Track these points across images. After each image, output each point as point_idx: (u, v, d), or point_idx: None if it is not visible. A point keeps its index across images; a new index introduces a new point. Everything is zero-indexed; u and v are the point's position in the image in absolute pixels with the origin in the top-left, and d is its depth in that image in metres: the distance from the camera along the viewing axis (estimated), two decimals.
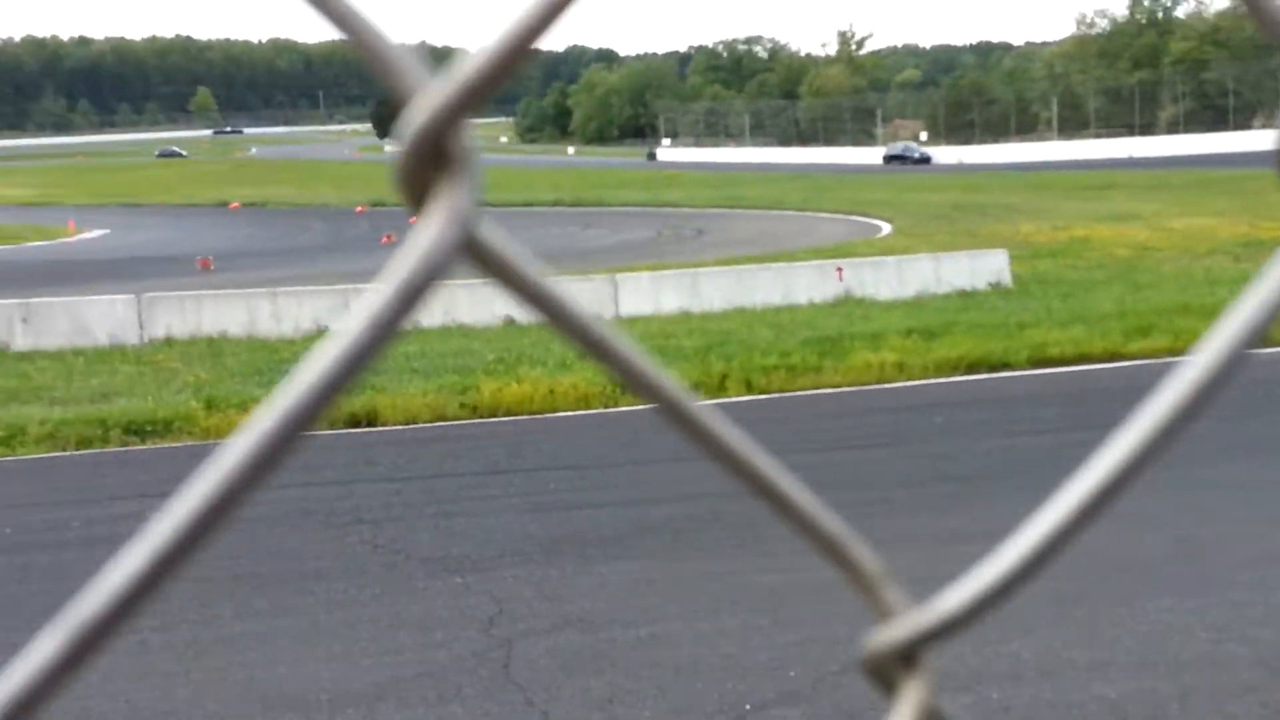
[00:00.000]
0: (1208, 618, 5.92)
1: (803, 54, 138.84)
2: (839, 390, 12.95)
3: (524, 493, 9.07)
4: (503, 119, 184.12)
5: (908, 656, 0.34)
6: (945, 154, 79.95)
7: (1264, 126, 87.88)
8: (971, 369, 13.37)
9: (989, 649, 5.73)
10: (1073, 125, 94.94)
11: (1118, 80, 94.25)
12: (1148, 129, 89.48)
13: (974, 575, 0.36)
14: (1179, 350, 13.39)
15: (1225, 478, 8.29)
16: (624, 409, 12.28)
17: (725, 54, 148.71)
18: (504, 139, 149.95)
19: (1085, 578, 6.60)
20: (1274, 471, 8.40)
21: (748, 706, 5.56)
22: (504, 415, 11.97)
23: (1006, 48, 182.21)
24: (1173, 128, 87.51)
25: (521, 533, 8.05)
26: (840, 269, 19.33)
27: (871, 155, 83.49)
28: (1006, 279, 19.35)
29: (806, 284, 19.07)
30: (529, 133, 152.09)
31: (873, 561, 0.35)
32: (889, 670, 0.34)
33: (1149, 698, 5.22)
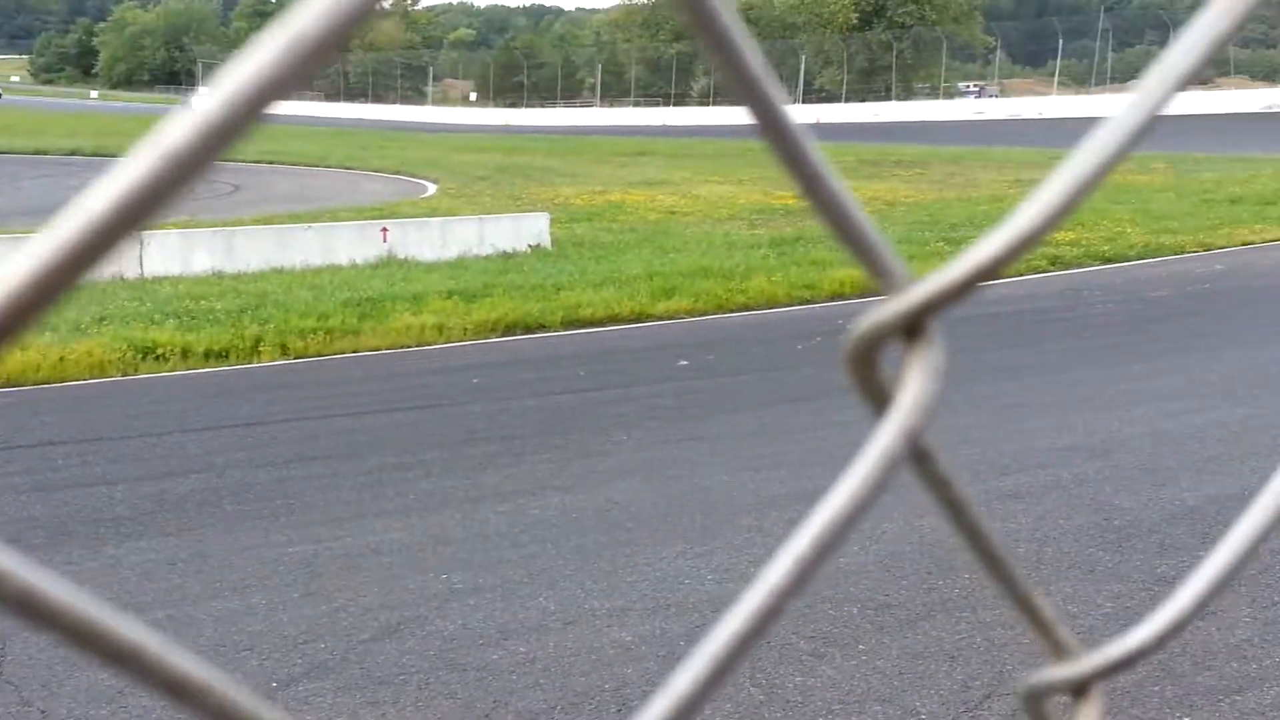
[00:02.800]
0: (713, 561, 6.37)
1: None
2: (378, 353, 12.84)
3: (27, 470, 8.32)
4: (14, 56, 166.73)
5: (1081, 689, 0.34)
6: (493, 115, 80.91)
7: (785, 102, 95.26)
8: (509, 330, 13.65)
9: (516, 604, 5.89)
10: (615, 92, 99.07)
11: (658, 51, 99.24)
12: (682, 99, 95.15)
13: (1152, 617, 0.34)
14: (698, 311, 14.36)
15: (717, 432, 8.96)
16: (143, 376, 11.56)
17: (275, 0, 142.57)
18: (15, 78, 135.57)
19: (609, 531, 6.93)
20: (756, 424, 9.15)
21: (274, 684, 5.40)
22: (6, 387, 10.92)
23: (558, 12, 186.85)
24: (704, 99, 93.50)
25: (24, 514, 7.39)
26: (385, 229, 19.11)
27: (420, 114, 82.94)
28: (547, 241, 19.90)
29: (349, 244, 18.68)
30: (45, 73, 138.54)
31: (1049, 608, 0.35)
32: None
33: (660, 639, 5.55)
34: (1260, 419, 8.35)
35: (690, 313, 14.31)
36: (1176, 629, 0.30)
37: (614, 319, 14.00)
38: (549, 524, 7.03)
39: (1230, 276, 15.44)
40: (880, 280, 0.28)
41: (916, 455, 0.30)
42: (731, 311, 14.54)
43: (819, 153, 0.26)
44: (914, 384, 0.29)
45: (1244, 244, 18.79)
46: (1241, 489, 6.90)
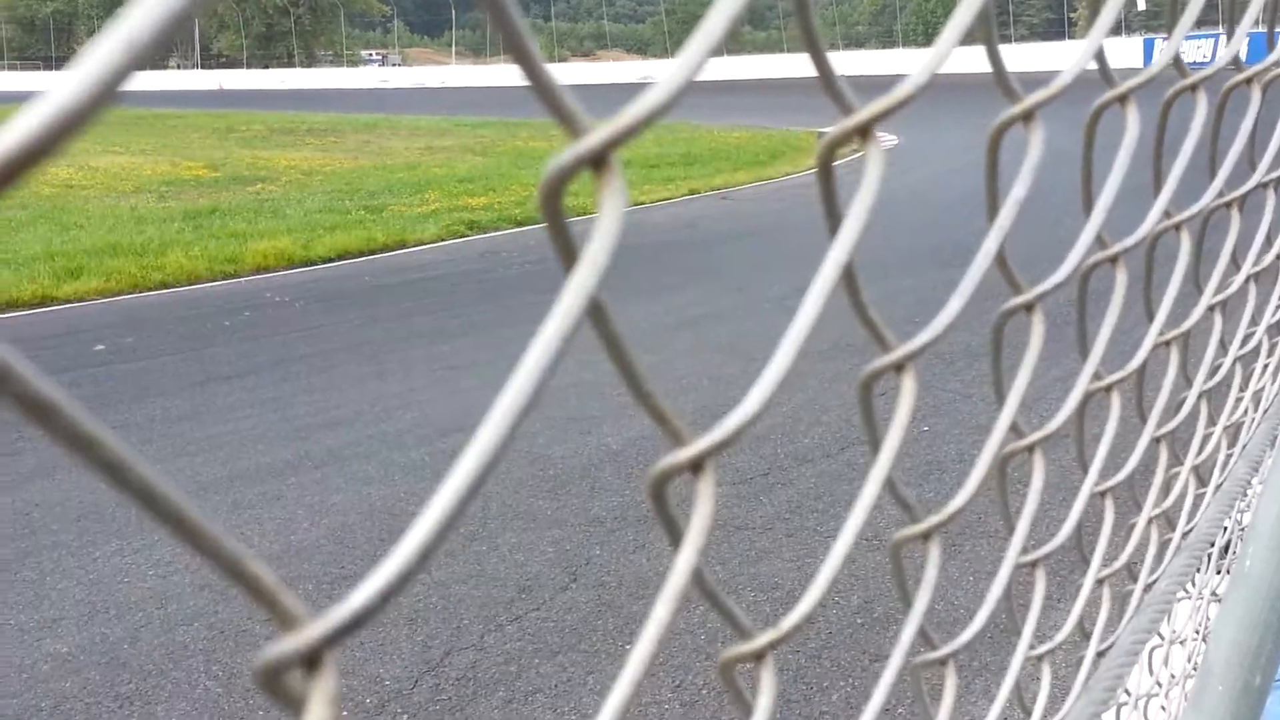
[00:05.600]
0: (153, 555, 6.04)
1: None
2: None
3: None
4: None
5: (313, 660, 0.30)
6: None
7: (180, 67, 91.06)
8: None
9: None
10: None
11: (31, 9, 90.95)
12: (64, 62, 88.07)
13: (379, 571, 0.31)
14: (111, 291, 13.41)
15: (146, 418, 8.50)
16: None
17: None
18: None
19: (32, 536, 6.36)
20: (188, 407, 8.79)
21: None
22: None
23: None
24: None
25: None
26: None
27: None
28: None
29: None
30: None
31: (270, 575, 0.31)
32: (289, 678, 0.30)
33: (100, 645, 5.21)
34: (667, 362, 9.23)
35: (102, 293, 13.30)
36: (402, 582, 0.30)
37: (13, 304, 12.71)
38: None
39: (627, 234, 16.82)
40: (568, 125, 0.32)
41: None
42: (149, 290, 13.70)
43: (529, 33, 0.29)
44: (609, 209, 0.33)
45: (635, 204, 20.50)
46: (655, 429, 7.57)
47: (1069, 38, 66.68)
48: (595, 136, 0.31)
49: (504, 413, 0.28)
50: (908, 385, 0.47)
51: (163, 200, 20.86)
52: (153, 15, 0.20)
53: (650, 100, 0.31)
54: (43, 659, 5.11)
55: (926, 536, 0.56)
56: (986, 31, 0.46)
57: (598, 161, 0.31)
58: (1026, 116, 0.51)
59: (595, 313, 0.31)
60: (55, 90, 0.20)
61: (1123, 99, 0.59)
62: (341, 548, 6.12)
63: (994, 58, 0.49)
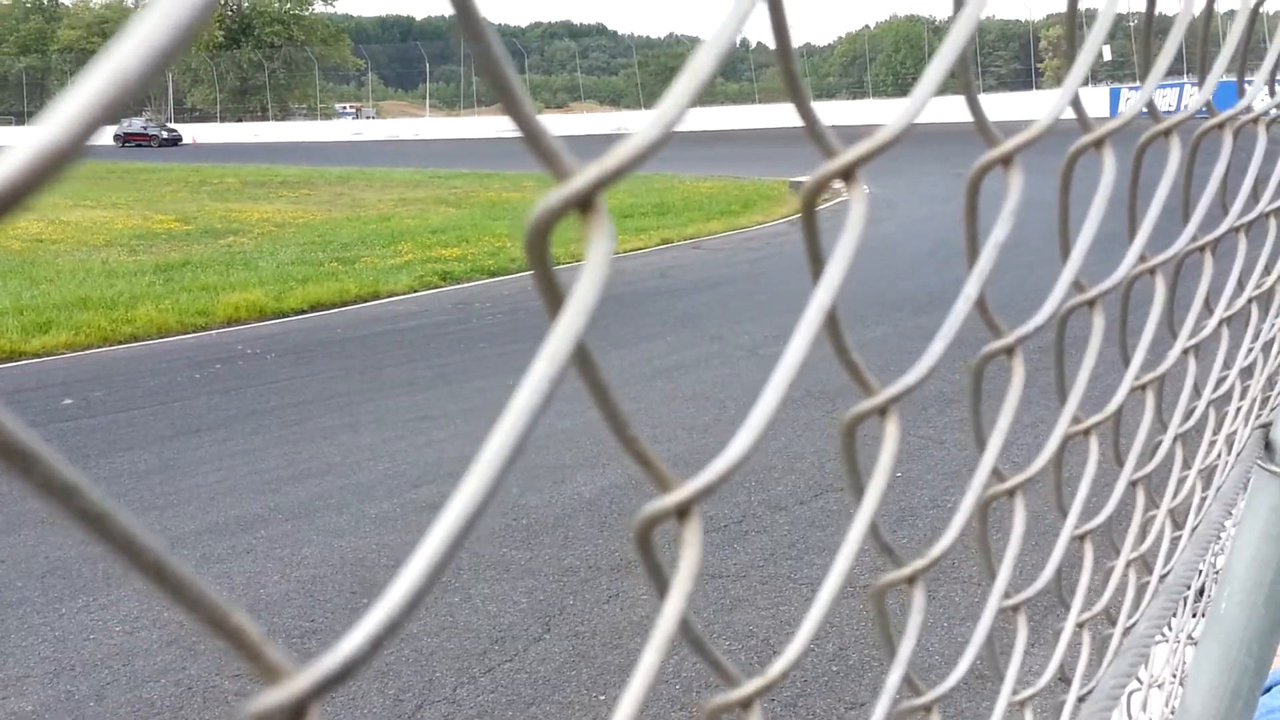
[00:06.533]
0: (120, 611, 5.96)
1: None
2: None
3: None
4: None
5: (299, 712, 0.29)
6: None
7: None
8: None
9: None
10: None
11: (4, 65, 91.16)
12: (35, 116, 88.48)
13: (365, 621, 0.30)
14: (80, 345, 13.30)
15: (114, 472, 8.41)
16: None
17: None
18: None
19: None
20: (156, 460, 8.69)
21: None
22: None
23: None
24: None
25: None
26: None
27: None
28: None
29: None
30: None
31: (254, 628, 0.29)
32: None
33: (66, 702, 5.12)
34: (643, 411, 9.22)
35: (71, 347, 13.20)
36: (390, 630, 0.29)
37: None
38: None
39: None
40: (554, 168, 0.32)
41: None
42: (119, 344, 13.60)
43: (517, 78, 0.30)
44: (596, 251, 0.32)
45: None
46: (629, 478, 7.57)
47: (1036, 88, 67.65)
48: (582, 179, 0.30)
49: (492, 457, 0.27)
50: (891, 429, 0.47)
51: (134, 254, 20.77)
52: (139, 54, 0.20)
53: (636, 143, 0.31)
54: (6, 718, 5.02)
55: (911, 581, 0.55)
56: (965, 78, 0.47)
57: (584, 204, 0.31)
58: (1005, 160, 0.51)
59: (581, 356, 0.30)
60: (42, 126, 0.20)
61: (1099, 143, 0.60)
62: (312, 600, 6.05)
63: (973, 103, 0.49)
